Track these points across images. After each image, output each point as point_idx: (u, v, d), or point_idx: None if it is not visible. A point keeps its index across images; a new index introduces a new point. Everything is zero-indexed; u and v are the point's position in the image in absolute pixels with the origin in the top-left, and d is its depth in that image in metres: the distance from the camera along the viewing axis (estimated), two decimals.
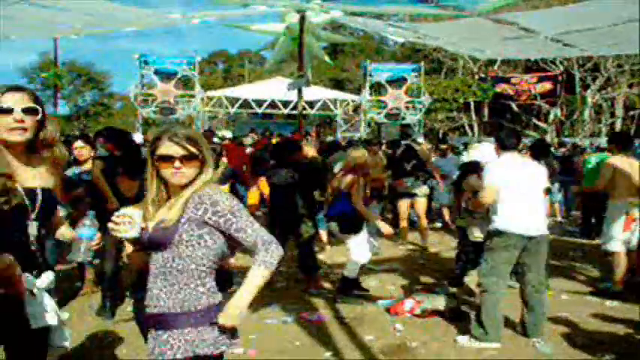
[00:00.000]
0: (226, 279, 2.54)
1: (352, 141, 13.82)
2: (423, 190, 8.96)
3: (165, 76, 22.07)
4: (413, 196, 8.93)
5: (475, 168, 6.16)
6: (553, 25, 7.69)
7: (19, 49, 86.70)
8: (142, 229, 2.29)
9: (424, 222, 9.07)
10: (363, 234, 6.23)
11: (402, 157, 9.11)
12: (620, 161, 6.56)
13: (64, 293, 6.14)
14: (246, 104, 23.14)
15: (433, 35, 10.01)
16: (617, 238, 6.54)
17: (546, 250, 5.13)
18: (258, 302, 6.00)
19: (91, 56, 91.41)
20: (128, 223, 2.26)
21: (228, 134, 13.92)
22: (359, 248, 6.16)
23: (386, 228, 6.25)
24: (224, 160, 6.72)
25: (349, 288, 6.26)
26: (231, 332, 2.31)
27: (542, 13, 8.47)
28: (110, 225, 2.30)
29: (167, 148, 2.23)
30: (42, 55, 36.94)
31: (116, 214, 2.31)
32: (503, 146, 5.12)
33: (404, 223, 9.16)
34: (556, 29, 7.76)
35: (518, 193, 4.90)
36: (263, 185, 8.02)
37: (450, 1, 7.86)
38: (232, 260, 2.96)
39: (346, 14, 9.63)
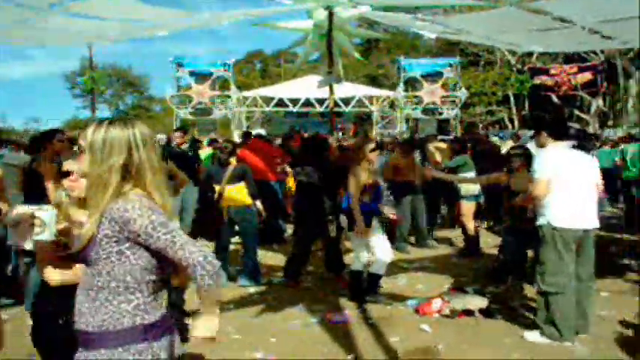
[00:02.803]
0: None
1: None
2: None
3: (200, 77, 22.34)
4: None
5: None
6: (590, 14, 7.32)
7: (62, 56, 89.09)
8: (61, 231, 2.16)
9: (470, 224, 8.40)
10: (379, 232, 6.02)
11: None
12: None
13: None
14: (281, 103, 23.15)
15: (465, 29, 9.74)
16: None
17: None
18: (281, 304, 5.96)
19: (128, 60, 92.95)
20: (38, 225, 2.14)
21: (263, 132, 13.97)
22: (382, 246, 5.98)
23: (363, 230, 5.82)
24: (232, 160, 6.69)
25: (376, 286, 6.08)
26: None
27: (578, 1, 8.07)
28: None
29: None
30: (82, 61, 37.86)
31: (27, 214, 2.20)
32: (554, 136, 4.97)
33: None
34: (594, 18, 7.39)
35: (572, 185, 4.76)
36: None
37: None
38: None
39: (375, 9, 9.43)
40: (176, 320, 2.20)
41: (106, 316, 1.98)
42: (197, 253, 1.97)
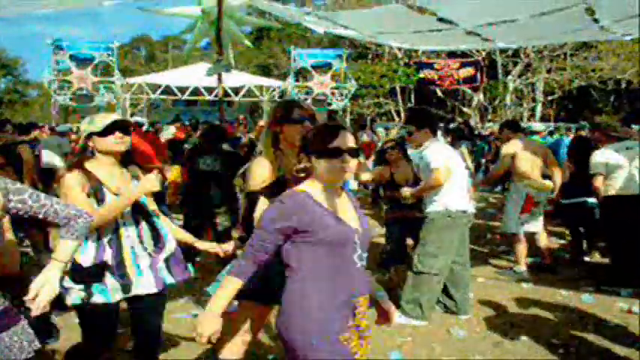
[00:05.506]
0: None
1: None
2: None
3: (81, 61, 21.13)
4: None
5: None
6: (472, 17, 7.56)
7: None
8: None
9: None
10: None
11: None
12: (519, 145, 6.72)
13: None
14: (168, 91, 22.47)
15: (352, 26, 9.83)
16: (515, 220, 6.70)
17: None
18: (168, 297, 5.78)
19: (1, 41, 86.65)
20: None
21: (140, 119, 13.53)
22: None
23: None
24: None
25: None
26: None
27: (462, 3, 8.31)
28: None
29: None
30: None
31: None
32: (434, 131, 5.25)
33: None
34: (475, 21, 7.65)
35: (458, 174, 5.10)
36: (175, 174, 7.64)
37: None
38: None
39: None
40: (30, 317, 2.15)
41: None
42: None
